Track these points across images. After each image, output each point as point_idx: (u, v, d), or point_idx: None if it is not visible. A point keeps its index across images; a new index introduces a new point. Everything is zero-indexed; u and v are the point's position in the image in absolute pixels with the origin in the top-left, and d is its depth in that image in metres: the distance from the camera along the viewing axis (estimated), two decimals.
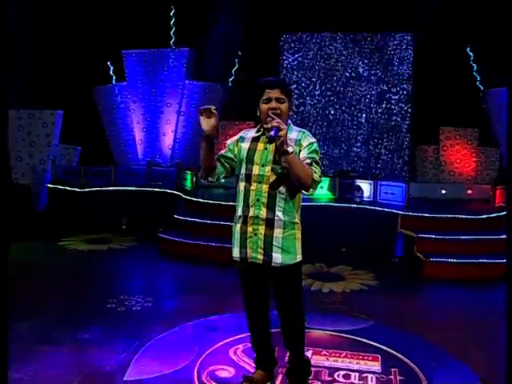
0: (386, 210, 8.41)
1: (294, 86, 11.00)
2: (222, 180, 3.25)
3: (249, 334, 3.82)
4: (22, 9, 10.05)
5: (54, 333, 4.68)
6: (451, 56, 10.46)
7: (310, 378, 3.15)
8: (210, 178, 3.14)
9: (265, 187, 2.96)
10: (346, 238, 8.43)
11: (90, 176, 10.33)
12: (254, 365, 3.42)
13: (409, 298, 6.65)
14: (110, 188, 10.09)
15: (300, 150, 2.96)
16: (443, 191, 9.88)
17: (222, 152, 3.18)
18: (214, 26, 11.67)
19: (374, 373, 3.47)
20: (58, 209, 10.01)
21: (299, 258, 3.05)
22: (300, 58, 10.99)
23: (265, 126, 2.94)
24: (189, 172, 9.51)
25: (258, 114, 3.13)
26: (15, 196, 8.86)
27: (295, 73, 11.07)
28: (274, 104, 2.97)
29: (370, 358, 3.69)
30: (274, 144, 2.97)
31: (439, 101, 10.29)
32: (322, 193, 9.17)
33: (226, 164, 3.15)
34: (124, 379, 3.24)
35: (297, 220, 3.05)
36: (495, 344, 4.98)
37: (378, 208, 8.48)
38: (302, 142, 2.98)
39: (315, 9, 10.16)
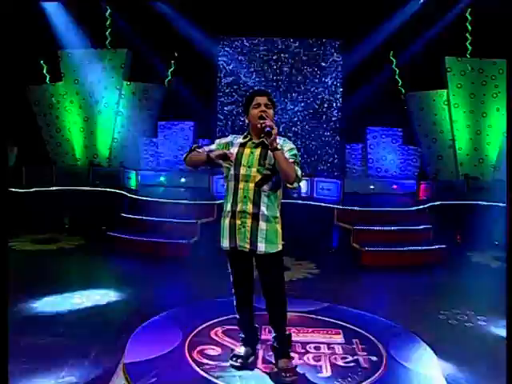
0: (323, 204, 9.09)
1: (230, 88, 11.43)
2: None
3: (225, 317, 4.31)
4: None
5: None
6: (377, 60, 11.30)
7: (290, 348, 3.66)
8: (191, 168, 3.56)
9: (251, 186, 3.42)
10: (288, 232, 9.01)
11: (31, 176, 10.28)
12: (235, 343, 3.88)
13: (350, 283, 7.33)
14: (52, 188, 10.07)
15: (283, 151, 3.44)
16: (372, 186, 10.72)
17: (211, 148, 3.57)
18: (150, 26, 11.79)
19: (339, 344, 4.03)
20: None
21: (280, 247, 3.54)
22: (235, 62, 11.43)
23: (259, 126, 3.36)
24: (133, 172, 9.72)
25: (247, 120, 3.57)
26: None
27: (231, 76, 11.49)
28: (263, 108, 3.45)
29: (333, 332, 4.25)
30: (258, 149, 3.45)
31: (366, 102, 11.09)
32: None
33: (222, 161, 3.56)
34: (125, 361, 3.59)
35: (277, 215, 3.54)
36: (431, 314, 5.76)
37: (316, 203, 9.13)
38: (284, 147, 3.47)
39: (251, 14, 10.64)
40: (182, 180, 10.60)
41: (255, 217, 3.43)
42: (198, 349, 3.82)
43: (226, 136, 3.78)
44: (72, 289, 6.35)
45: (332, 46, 11.14)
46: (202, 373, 3.47)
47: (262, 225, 3.44)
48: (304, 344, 3.96)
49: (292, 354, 3.68)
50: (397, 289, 7.03)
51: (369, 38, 11.03)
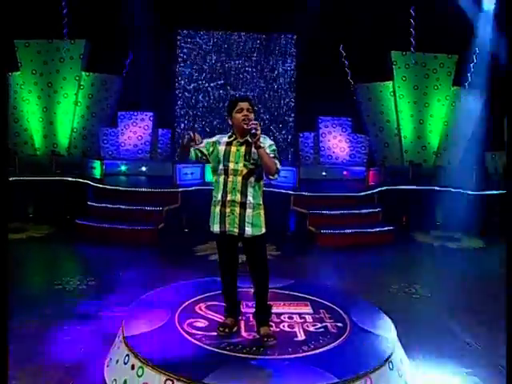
0: (281, 191, 9.67)
1: (187, 80, 11.78)
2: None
3: (206, 295, 4.85)
4: None
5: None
6: (328, 54, 11.95)
7: (270, 317, 4.23)
8: (181, 160, 4.04)
9: (239, 179, 3.94)
10: None
11: None
12: (219, 316, 4.41)
13: (309, 263, 8.00)
14: (14, 178, 10.18)
15: (264, 148, 3.96)
16: (324, 173, 11.43)
17: (199, 146, 4.05)
18: (108, 17, 11.93)
19: (308, 314, 4.62)
20: None
21: (264, 230, 4.07)
22: (193, 55, 11.78)
23: (245, 127, 3.86)
24: (98, 161, 10.01)
25: (231, 123, 4.07)
26: None
27: (189, 67, 11.85)
28: (245, 112, 3.95)
29: (303, 305, 4.85)
30: (243, 146, 3.95)
31: (318, 93, 11.71)
32: None
33: (197, 154, 4.04)
34: (125, 335, 4.06)
35: (261, 202, 4.07)
36: (383, 288, 6.48)
37: (274, 189, 9.69)
38: (265, 144, 3.98)
39: (210, 7, 11.03)
40: (143, 169, 10.98)
41: (243, 205, 3.95)
42: (187, 322, 4.33)
43: (212, 137, 4.24)
44: (50, 275, 6.72)
45: (286, 39, 11.65)
46: (194, 341, 3.99)
47: (249, 212, 3.96)
48: (278, 315, 4.53)
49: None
50: (351, 267, 7.75)
51: (320, 33, 11.62)
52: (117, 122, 11.67)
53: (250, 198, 3.94)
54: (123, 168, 10.94)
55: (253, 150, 3.90)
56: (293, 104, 11.98)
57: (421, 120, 12.07)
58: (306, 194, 9.57)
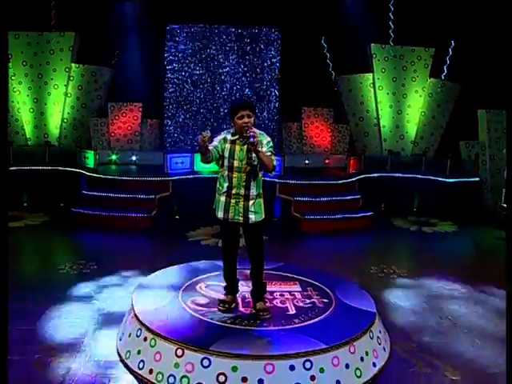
0: (266, 178, 10.13)
1: (175, 72, 12.12)
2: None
3: (203, 276, 5.38)
4: None
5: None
6: (310, 46, 12.42)
7: (265, 294, 4.76)
8: (206, 163, 4.49)
9: (243, 175, 4.43)
10: None
11: None
12: (218, 294, 4.93)
13: (295, 247, 8.56)
14: (9, 168, 10.50)
15: (262, 146, 4.44)
16: (306, 161, 11.94)
17: (215, 144, 4.50)
18: (97, 9, 12.22)
19: (297, 291, 5.16)
20: None
21: (263, 216, 4.60)
22: (180, 47, 12.11)
23: (245, 134, 4.35)
24: (91, 151, 10.39)
25: (233, 125, 4.53)
26: None
27: (177, 59, 12.16)
28: (246, 119, 4.42)
29: (292, 283, 5.38)
30: (246, 146, 4.42)
31: (301, 85, 12.20)
32: (208, 166, 10.60)
33: (216, 155, 4.48)
34: (136, 312, 4.55)
35: (261, 192, 4.57)
36: (364, 269, 7.06)
37: None
38: (263, 141, 4.47)
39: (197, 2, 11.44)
40: (133, 158, 11.38)
41: (246, 197, 4.46)
42: (190, 300, 4.84)
43: (216, 136, 4.68)
44: (52, 260, 7.17)
45: (270, 32, 12.05)
46: (198, 316, 4.50)
47: (251, 202, 4.47)
48: (271, 293, 5.06)
49: None
50: (334, 250, 8.33)
51: (303, 26, 12.09)
52: (107, 113, 12.01)
53: (252, 191, 4.45)
54: (114, 157, 11.31)
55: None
56: (277, 95, 12.38)
57: (399, 110, 12.62)
58: (291, 182, 10.09)
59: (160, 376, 4.00)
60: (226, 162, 4.47)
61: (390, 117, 12.64)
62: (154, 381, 4.01)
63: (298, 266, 6.15)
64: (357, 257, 7.95)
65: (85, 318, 5.23)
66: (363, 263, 7.46)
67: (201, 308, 4.68)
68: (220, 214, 4.53)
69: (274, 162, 4.45)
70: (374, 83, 12.56)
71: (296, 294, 5.12)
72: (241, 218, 4.45)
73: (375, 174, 11.10)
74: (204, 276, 5.49)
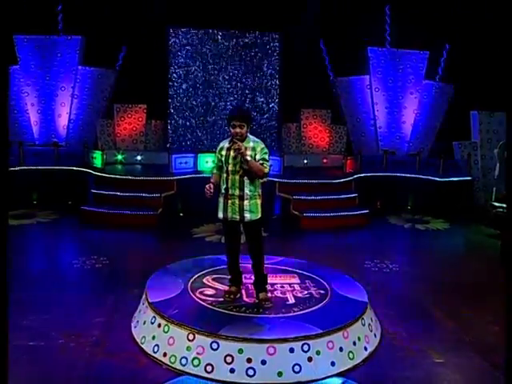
0: (267, 178, 10.60)
1: (178, 74, 12.55)
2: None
3: (210, 269, 5.83)
4: None
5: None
6: (309, 50, 12.85)
7: (266, 285, 5.21)
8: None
9: (237, 177, 4.88)
10: None
11: None
12: (224, 286, 5.38)
13: (294, 243, 9.03)
14: (20, 168, 10.94)
15: (255, 154, 4.89)
16: (305, 161, 12.40)
17: (215, 165, 5.00)
18: (101, 11, 12.60)
19: (296, 283, 5.61)
20: None
21: (259, 215, 5.03)
22: (183, 51, 12.54)
23: (233, 147, 4.83)
24: (99, 152, 10.84)
25: (229, 131, 5.00)
26: None
27: (181, 61, 12.58)
28: (237, 129, 4.87)
29: (291, 276, 5.83)
30: None
31: (300, 87, 12.63)
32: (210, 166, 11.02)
33: (218, 172, 5.00)
34: (150, 301, 5.01)
35: (257, 193, 4.99)
36: (358, 264, 7.52)
37: None
38: (256, 149, 4.91)
39: (200, 5, 11.85)
40: (138, 158, 11.83)
41: (241, 198, 4.91)
42: (198, 291, 5.29)
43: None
44: (66, 256, 7.63)
45: (271, 37, 12.49)
46: (206, 305, 4.96)
47: (246, 202, 4.92)
48: (272, 285, 5.51)
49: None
50: (331, 246, 8.80)
51: (303, 30, 12.51)
52: (113, 114, 12.44)
53: (246, 191, 4.90)
54: (120, 157, 11.76)
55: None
56: (277, 97, 12.80)
57: (395, 111, 13.06)
58: (290, 181, 10.55)
59: (173, 358, 4.45)
60: (223, 166, 4.93)
61: (386, 118, 13.07)
62: (167, 362, 4.47)
63: (296, 261, 6.59)
64: (352, 252, 8.40)
65: (100, 309, 5.68)
66: (358, 258, 7.91)
67: (208, 298, 5.13)
68: (220, 214, 4.99)
69: (266, 170, 4.88)
70: (370, 85, 13.00)
71: (295, 285, 5.57)
72: (237, 217, 4.91)
73: (371, 174, 11.53)
74: (210, 269, 5.94)
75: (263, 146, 5.01)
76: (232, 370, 4.26)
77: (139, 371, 4.43)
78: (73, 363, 4.51)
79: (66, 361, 4.56)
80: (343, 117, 13.15)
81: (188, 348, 4.43)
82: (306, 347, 4.38)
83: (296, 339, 4.39)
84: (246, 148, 4.81)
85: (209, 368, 4.30)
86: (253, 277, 5.25)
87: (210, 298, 5.12)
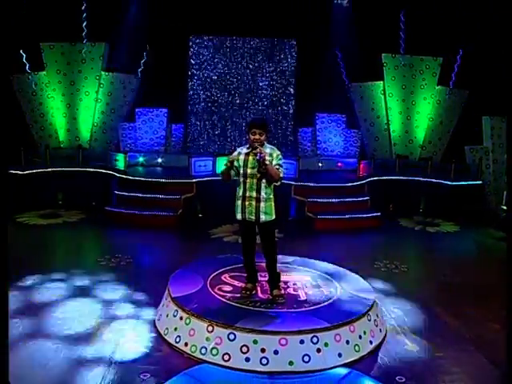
0: (283, 182, 10.99)
1: (200, 82, 13.03)
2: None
3: (228, 267, 6.25)
4: None
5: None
6: (325, 56, 13.23)
7: (280, 282, 5.62)
8: (226, 180, 5.39)
9: (255, 181, 5.30)
10: None
11: (28, 158, 11.64)
12: (241, 283, 5.79)
13: (308, 243, 9.40)
14: (46, 169, 11.46)
15: (272, 159, 5.30)
16: (320, 164, 12.77)
17: (234, 163, 5.39)
18: (123, 19, 13.10)
19: (308, 281, 6.00)
20: None
21: (274, 216, 5.45)
22: (203, 56, 13.02)
23: (253, 151, 5.24)
24: (121, 154, 11.33)
25: (248, 138, 5.41)
26: None
27: (200, 67, 13.06)
28: (257, 136, 5.29)
29: (303, 275, 6.24)
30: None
31: (315, 92, 13.01)
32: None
33: (235, 173, 5.40)
34: (173, 296, 5.45)
35: (272, 196, 5.42)
36: (368, 264, 7.87)
37: None
38: (273, 155, 5.32)
39: (221, 14, 12.31)
40: (159, 160, 12.30)
41: (258, 200, 5.33)
42: (217, 287, 5.72)
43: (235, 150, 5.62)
44: (94, 253, 8.12)
45: (287, 44, 12.92)
46: (224, 300, 5.38)
47: (262, 204, 5.33)
48: (285, 282, 5.91)
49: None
50: (343, 247, 9.17)
51: (318, 36, 12.91)
52: (135, 118, 12.93)
53: (263, 194, 5.31)
54: (141, 159, 12.25)
55: None
56: (293, 102, 13.22)
57: (408, 116, 13.36)
58: (305, 184, 10.92)
59: (194, 348, 4.89)
60: (241, 171, 5.34)
61: (399, 122, 13.38)
62: (188, 352, 4.90)
63: (309, 261, 6.98)
64: (363, 253, 8.77)
65: (126, 303, 6.14)
66: (368, 258, 8.28)
67: (226, 294, 5.55)
68: (238, 216, 5.40)
69: (281, 174, 5.30)
70: (384, 90, 13.31)
71: (306, 283, 5.98)
72: (253, 218, 5.31)
73: (384, 177, 11.84)
74: (228, 268, 6.36)
75: (279, 152, 5.42)
76: (247, 359, 4.68)
77: (163, 359, 4.87)
78: (101, 350, 4.96)
79: (97, 346, 5.02)
80: (357, 121, 13.47)
81: (207, 339, 4.85)
82: (315, 339, 4.78)
83: (306, 332, 4.79)
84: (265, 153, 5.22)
85: (226, 357, 4.72)
86: (267, 275, 5.65)
87: (228, 294, 5.54)
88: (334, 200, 10.65)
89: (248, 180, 5.33)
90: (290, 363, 4.67)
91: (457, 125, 13.20)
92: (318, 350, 4.76)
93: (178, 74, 13.13)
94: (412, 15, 13.15)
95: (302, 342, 4.75)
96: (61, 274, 7.02)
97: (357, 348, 4.97)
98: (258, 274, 5.84)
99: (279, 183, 5.40)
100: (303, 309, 5.25)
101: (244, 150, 5.47)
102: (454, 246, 9.54)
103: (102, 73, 13.12)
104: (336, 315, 5.11)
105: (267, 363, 4.65)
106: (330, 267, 6.68)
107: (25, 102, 13.02)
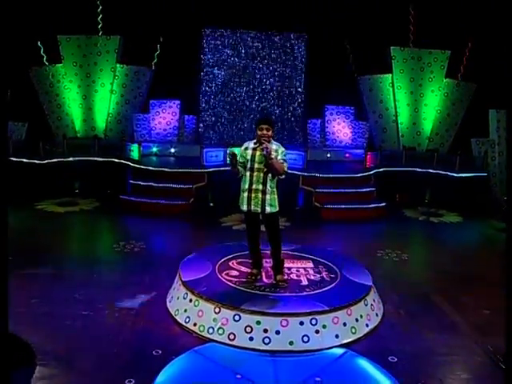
0: (290, 171, 11.32)
1: (212, 75, 13.37)
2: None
3: (236, 254, 6.63)
4: None
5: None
6: (334, 49, 13.47)
7: (283, 268, 5.99)
8: (237, 175, 5.76)
9: (261, 174, 5.65)
10: None
11: (46, 148, 12.08)
12: (247, 268, 6.18)
13: (314, 232, 9.76)
14: (63, 159, 11.89)
15: (278, 154, 5.65)
16: (328, 155, 13.06)
17: (239, 160, 5.75)
18: (139, 12, 13.40)
19: (310, 268, 6.37)
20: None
21: (278, 208, 5.81)
22: (217, 50, 13.35)
23: (260, 147, 5.59)
24: (136, 145, 11.73)
25: (255, 134, 5.76)
26: None
27: (212, 59, 13.39)
28: (264, 132, 5.64)
29: (306, 262, 6.60)
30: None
31: (325, 84, 13.27)
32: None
33: (242, 166, 5.75)
34: (183, 280, 5.85)
35: (276, 189, 5.78)
36: (371, 253, 8.21)
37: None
38: (278, 150, 5.67)
39: (234, 6, 12.60)
40: (172, 150, 12.67)
41: (263, 192, 5.68)
42: (225, 272, 6.11)
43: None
44: (107, 240, 8.56)
45: (298, 37, 13.20)
46: (231, 285, 5.77)
47: (267, 196, 5.69)
48: (289, 268, 6.29)
49: None
50: (348, 236, 9.53)
51: (328, 30, 13.15)
52: (148, 109, 13.31)
53: (268, 187, 5.67)
54: (154, 149, 12.61)
55: None
56: (302, 94, 13.52)
57: (416, 108, 13.61)
58: (313, 174, 11.24)
59: (202, 327, 5.29)
60: (249, 165, 5.69)
61: (407, 114, 13.63)
62: (197, 331, 5.30)
63: (313, 248, 7.35)
64: (367, 242, 9.12)
65: (139, 286, 6.56)
66: (371, 247, 8.62)
67: (233, 278, 5.94)
68: (244, 207, 5.76)
69: (285, 168, 5.65)
70: (392, 83, 13.56)
71: (309, 269, 6.35)
72: (259, 209, 5.67)
73: (390, 168, 12.12)
74: (236, 254, 6.75)
75: (283, 148, 5.78)
76: (251, 339, 5.07)
77: (173, 338, 5.27)
78: (118, 329, 5.38)
79: (112, 327, 5.44)
80: (366, 113, 13.73)
81: (214, 319, 5.25)
82: (314, 321, 5.16)
83: (306, 314, 5.16)
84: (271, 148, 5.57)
85: (231, 336, 5.12)
86: (271, 261, 6.02)
87: (235, 279, 5.93)
88: (340, 190, 10.96)
89: (255, 173, 5.68)
90: (291, 343, 5.05)
91: (464, 117, 13.41)
92: (317, 331, 5.14)
93: (190, 66, 13.44)
94: (421, 8, 13.34)
95: (301, 323, 5.12)
96: (77, 259, 7.44)
97: (353, 330, 5.34)
98: (263, 260, 6.21)
99: (283, 177, 5.75)
100: (304, 293, 5.62)
101: (251, 144, 5.81)
102: (455, 236, 9.84)
103: (117, 65, 13.49)
104: (334, 299, 5.48)
105: (269, 342, 5.04)
106: (333, 254, 7.03)
107: (42, 94, 13.44)
